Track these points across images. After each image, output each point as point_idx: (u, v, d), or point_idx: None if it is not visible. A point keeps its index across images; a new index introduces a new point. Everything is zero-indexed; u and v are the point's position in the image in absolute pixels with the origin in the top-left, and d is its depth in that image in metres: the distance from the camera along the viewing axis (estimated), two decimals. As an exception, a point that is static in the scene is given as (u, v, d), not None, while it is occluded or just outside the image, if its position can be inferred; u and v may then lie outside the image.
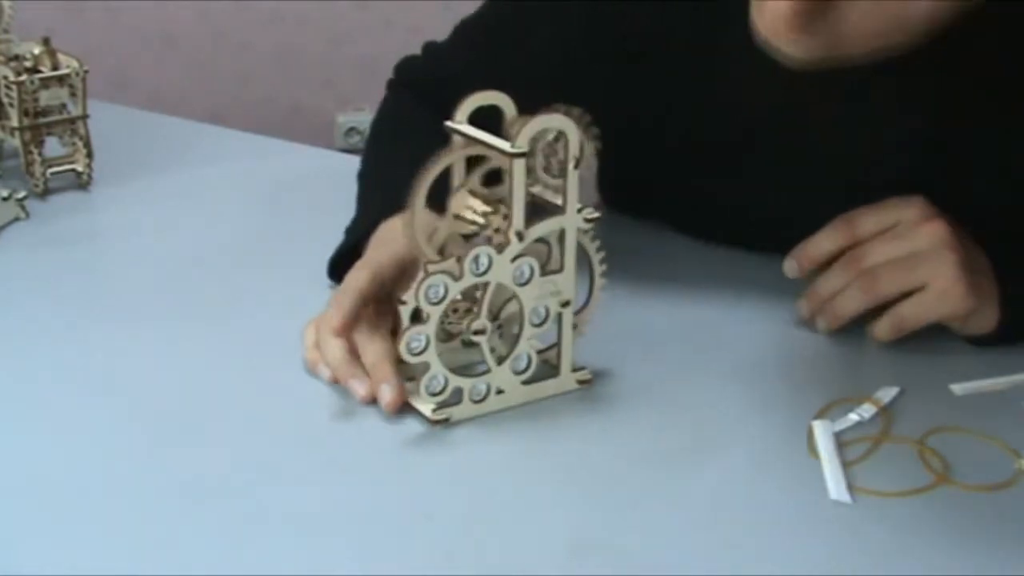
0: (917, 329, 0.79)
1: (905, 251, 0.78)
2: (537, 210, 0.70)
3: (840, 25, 0.64)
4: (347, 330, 0.74)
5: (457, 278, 0.68)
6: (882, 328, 0.79)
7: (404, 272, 0.75)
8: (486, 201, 0.71)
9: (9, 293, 0.88)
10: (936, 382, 0.77)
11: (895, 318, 0.79)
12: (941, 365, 0.80)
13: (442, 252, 0.72)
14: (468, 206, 0.71)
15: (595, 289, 0.75)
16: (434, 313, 0.68)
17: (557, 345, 0.73)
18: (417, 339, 0.68)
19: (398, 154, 0.91)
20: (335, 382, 0.74)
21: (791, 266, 0.83)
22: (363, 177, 0.95)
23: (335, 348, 0.74)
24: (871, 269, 0.79)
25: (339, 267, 0.83)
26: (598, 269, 0.74)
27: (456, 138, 0.71)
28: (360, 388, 0.72)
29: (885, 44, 0.65)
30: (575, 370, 0.74)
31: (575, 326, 0.73)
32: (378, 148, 0.98)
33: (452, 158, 0.71)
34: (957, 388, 0.76)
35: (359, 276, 0.76)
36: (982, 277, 0.78)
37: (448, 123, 0.71)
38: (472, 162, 0.72)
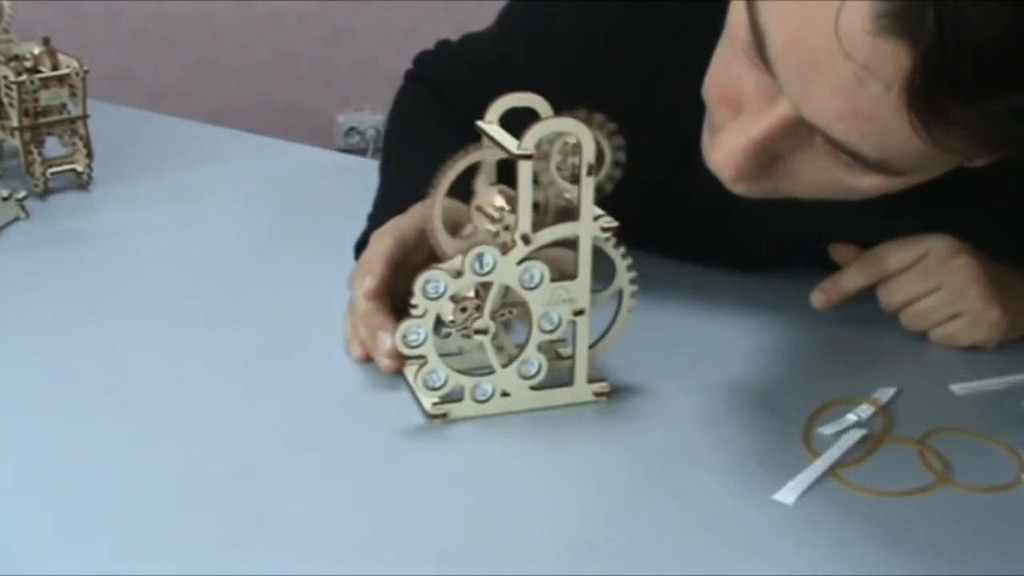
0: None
1: (933, 287, 0.80)
2: (570, 216, 0.69)
3: (787, 185, 0.66)
4: (379, 293, 0.75)
5: (457, 275, 0.68)
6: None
7: (426, 239, 0.75)
8: (507, 202, 0.70)
9: (9, 293, 0.88)
10: (936, 382, 0.77)
11: (940, 336, 0.82)
12: (941, 365, 0.80)
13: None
14: (491, 204, 0.71)
15: (623, 308, 0.73)
16: (432, 308, 0.68)
17: (572, 354, 0.72)
18: (415, 332, 0.68)
19: (417, 144, 0.92)
20: (365, 358, 0.76)
21: (818, 298, 0.85)
22: (386, 165, 0.96)
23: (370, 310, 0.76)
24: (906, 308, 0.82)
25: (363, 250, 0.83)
26: (627, 289, 0.72)
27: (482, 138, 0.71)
28: (386, 340, 0.74)
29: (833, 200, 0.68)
30: (593, 381, 0.73)
31: (590, 345, 0.72)
32: (398, 139, 0.99)
33: (470, 158, 0.70)
34: (957, 388, 0.77)
35: (384, 242, 0.77)
36: (1016, 294, 0.81)
37: (478, 123, 0.71)
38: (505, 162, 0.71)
